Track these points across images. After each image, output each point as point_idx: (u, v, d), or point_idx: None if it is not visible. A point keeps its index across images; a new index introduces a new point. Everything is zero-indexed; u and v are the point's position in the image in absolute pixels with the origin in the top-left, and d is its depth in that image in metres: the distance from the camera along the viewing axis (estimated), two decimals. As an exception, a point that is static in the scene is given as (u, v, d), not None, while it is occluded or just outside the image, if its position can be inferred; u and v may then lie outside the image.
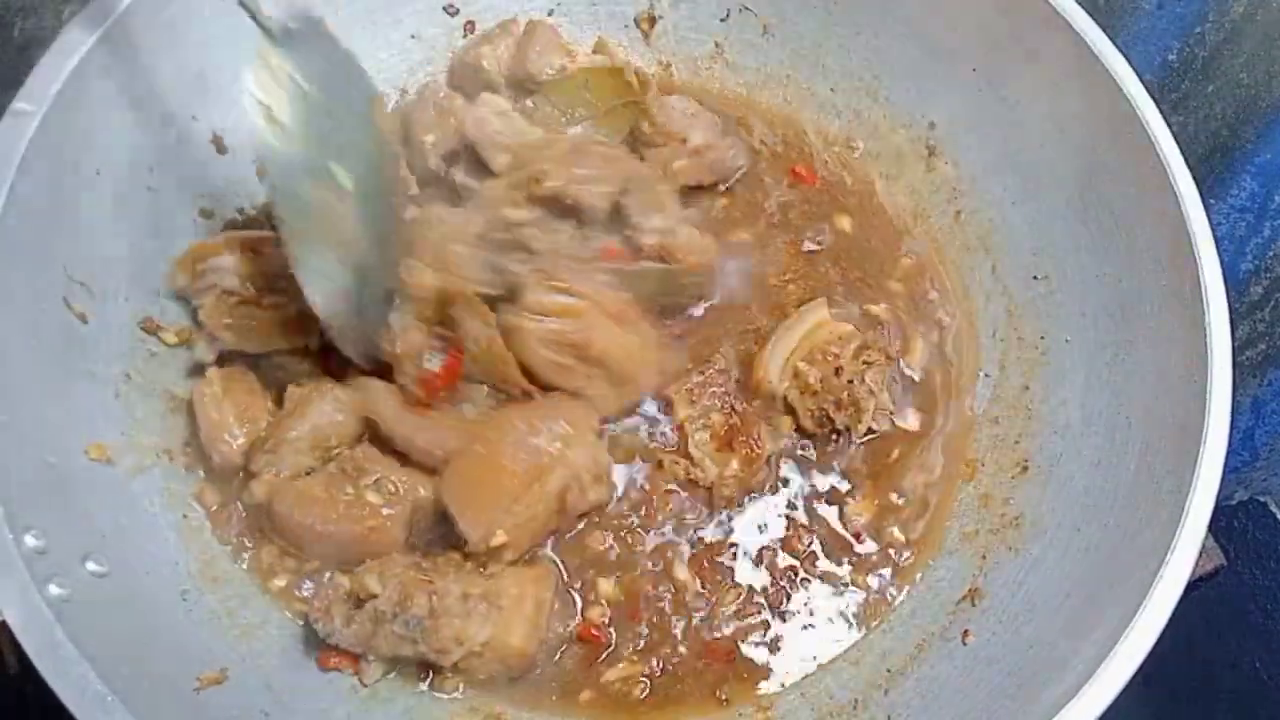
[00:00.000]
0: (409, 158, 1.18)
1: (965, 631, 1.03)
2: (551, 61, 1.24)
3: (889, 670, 1.03)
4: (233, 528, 1.03)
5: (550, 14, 1.34)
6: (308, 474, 1.02)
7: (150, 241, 1.08)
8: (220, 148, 1.15)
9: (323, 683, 0.97)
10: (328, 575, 0.99)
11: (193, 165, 1.13)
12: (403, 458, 1.02)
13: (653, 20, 1.35)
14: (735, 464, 1.09)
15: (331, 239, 0.97)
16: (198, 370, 1.07)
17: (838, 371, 1.11)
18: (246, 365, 1.08)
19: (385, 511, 0.99)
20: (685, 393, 1.12)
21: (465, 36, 1.32)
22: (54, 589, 0.81)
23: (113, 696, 0.77)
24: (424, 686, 0.99)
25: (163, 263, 1.09)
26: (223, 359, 1.07)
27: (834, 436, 1.13)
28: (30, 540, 0.82)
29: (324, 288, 0.97)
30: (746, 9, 1.33)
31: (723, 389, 1.13)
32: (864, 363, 1.13)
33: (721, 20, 1.35)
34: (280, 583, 1.02)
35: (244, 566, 1.02)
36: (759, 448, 1.10)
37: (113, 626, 0.85)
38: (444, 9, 1.30)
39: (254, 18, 0.91)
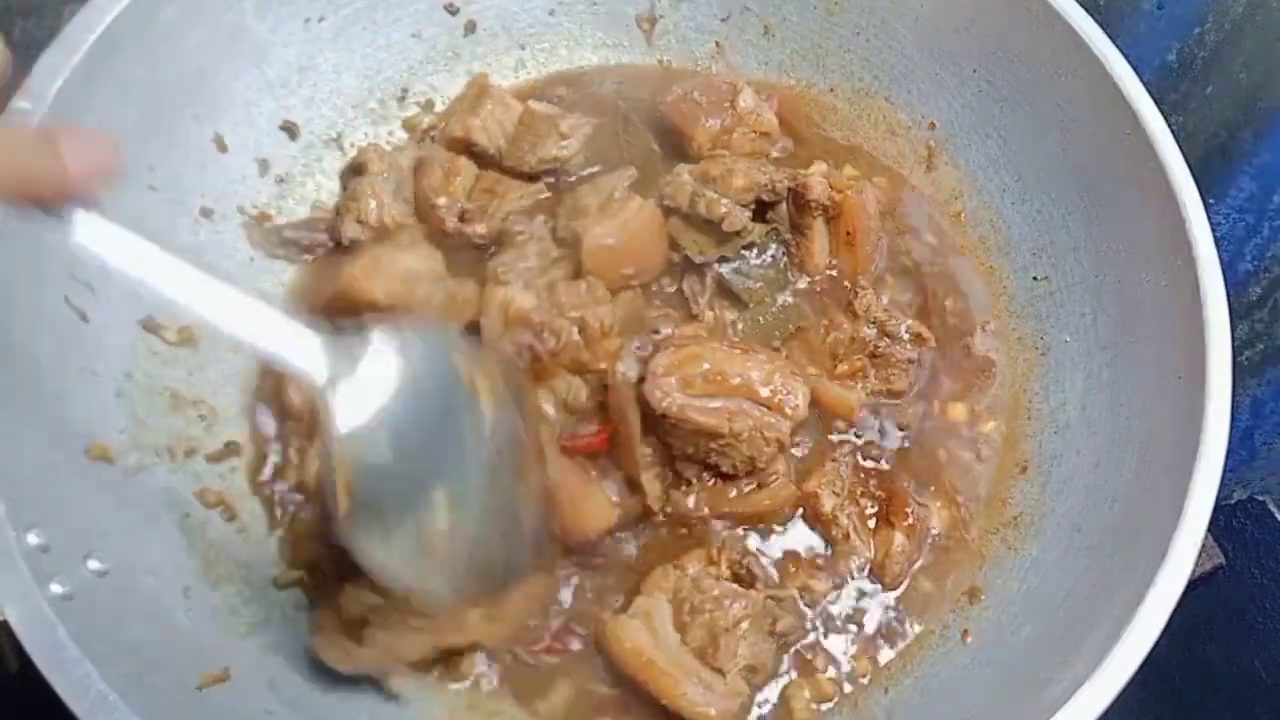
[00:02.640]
0: (425, 223, 1.19)
1: (965, 631, 1.03)
2: (547, 150, 1.22)
3: (888, 670, 1.03)
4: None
5: (551, 14, 1.34)
6: None
7: (150, 241, 1.08)
8: (221, 147, 1.15)
9: (327, 680, 0.96)
10: (313, 620, 0.98)
11: (193, 165, 1.13)
12: None
13: (653, 20, 1.35)
14: (900, 538, 1.06)
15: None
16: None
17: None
18: None
19: None
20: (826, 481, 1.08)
21: (466, 36, 1.32)
22: (55, 587, 0.81)
23: (115, 695, 0.77)
24: (433, 678, 1.00)
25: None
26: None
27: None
28: (32, 538, 0.82)
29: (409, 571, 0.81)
30: (747, 9, 1.33)
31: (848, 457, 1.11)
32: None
33: (722, 20, 1.35)
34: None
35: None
36: (920, 519, 1.07)
37: (114, 625, 0.85)
38: (444, 8, 1.30)
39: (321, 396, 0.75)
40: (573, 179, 1.23)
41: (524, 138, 1.22)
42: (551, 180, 1.23)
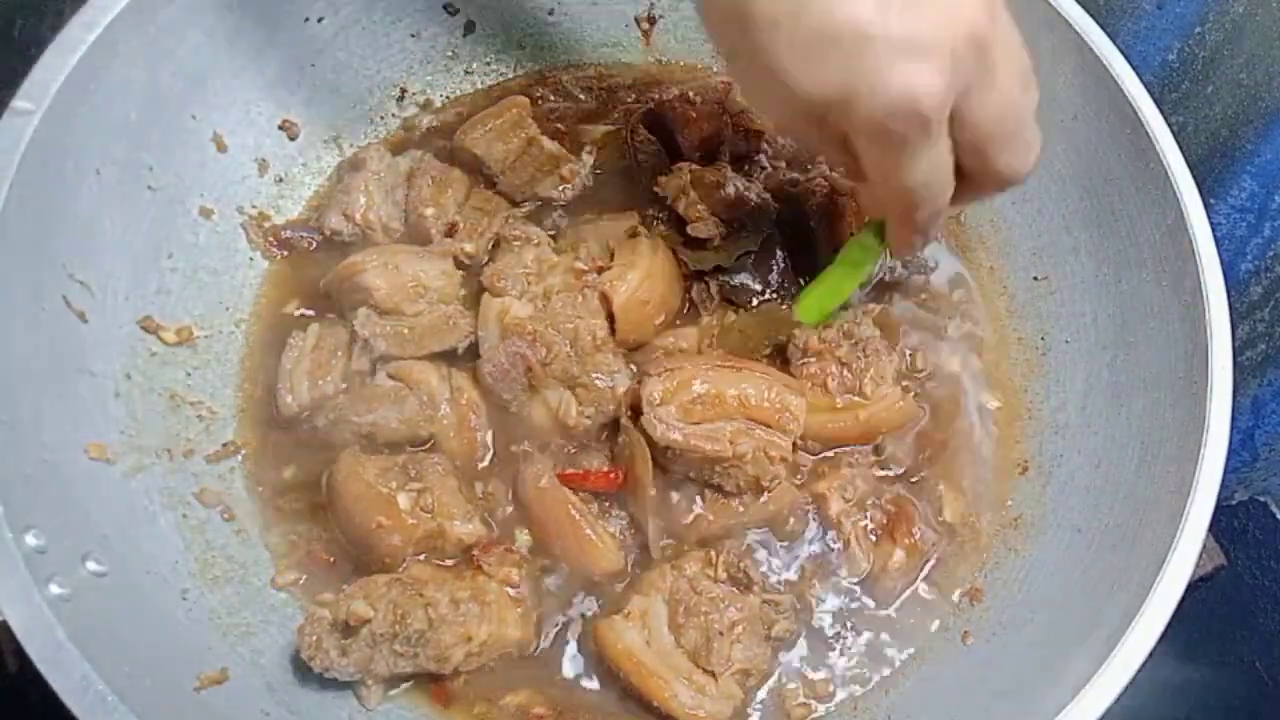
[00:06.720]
0: (411, 232, 1.18)
1: (965, 632, 1.03)
2: (544, 189, 1.21)
3: (889, 670, 1.03)
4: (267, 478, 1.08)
5: (551, 13, 1.34)
6: (380, 452, 1.05)
7: (150, 241, 1.08)
8: (220, 147, 1.15)
9: (324, 682, 0.96)
10: (306, 613, 0.98)
11: (192, 165, 1.13)
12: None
13: (653, 20, 1.35)
14: (900, 554, 1.04)
15: None
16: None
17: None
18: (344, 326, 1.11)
19: (404, 520, 0.99)
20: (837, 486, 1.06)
21: (465, 36, 1.32)
22: (54, 588, 0.81)
23: (113, 696, 0.77)
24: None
25: (163, 261, 1.09)
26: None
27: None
28: (30, 539, 0.82)
29: None
30: (747, 9, 1.33)
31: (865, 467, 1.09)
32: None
33: (722, 20, 1.35)
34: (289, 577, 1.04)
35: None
36: (923, 542, 1.05)
37: (113, 626, 0.85)
38: (444, 8, 1.29)
39: None
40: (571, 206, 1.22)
41: (524, 167, 1.21)
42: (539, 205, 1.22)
